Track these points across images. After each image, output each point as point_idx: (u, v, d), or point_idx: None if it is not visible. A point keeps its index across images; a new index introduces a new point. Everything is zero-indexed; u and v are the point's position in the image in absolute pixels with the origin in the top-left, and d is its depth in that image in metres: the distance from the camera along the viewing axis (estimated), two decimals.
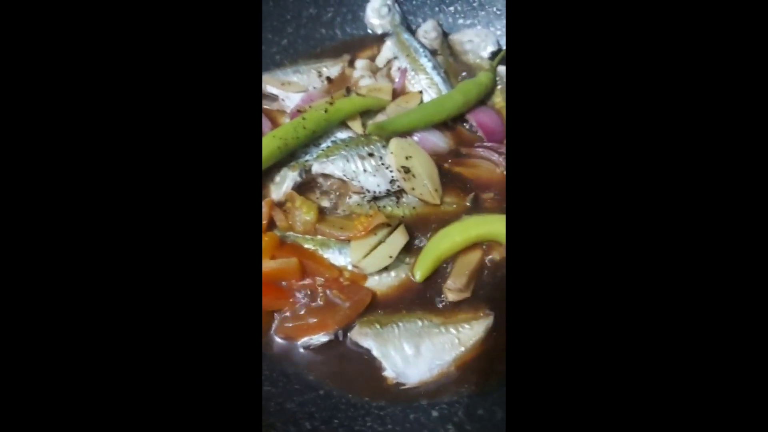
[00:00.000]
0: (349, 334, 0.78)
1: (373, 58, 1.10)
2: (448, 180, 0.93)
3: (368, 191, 0.87)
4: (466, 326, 0.78)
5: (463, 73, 1.07)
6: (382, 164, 0.89)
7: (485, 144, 0.96)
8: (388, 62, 1.08)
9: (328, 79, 1.05)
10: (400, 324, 0.78)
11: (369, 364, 0.76)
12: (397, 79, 1.04)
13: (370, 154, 0.89)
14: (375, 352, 0.75)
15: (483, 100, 1.01)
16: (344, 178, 0.87)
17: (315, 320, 0.77)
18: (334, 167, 0.88)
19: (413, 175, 0.88)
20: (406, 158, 0.89)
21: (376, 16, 1.11)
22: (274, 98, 1.03)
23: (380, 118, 0.97)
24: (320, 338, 0.77)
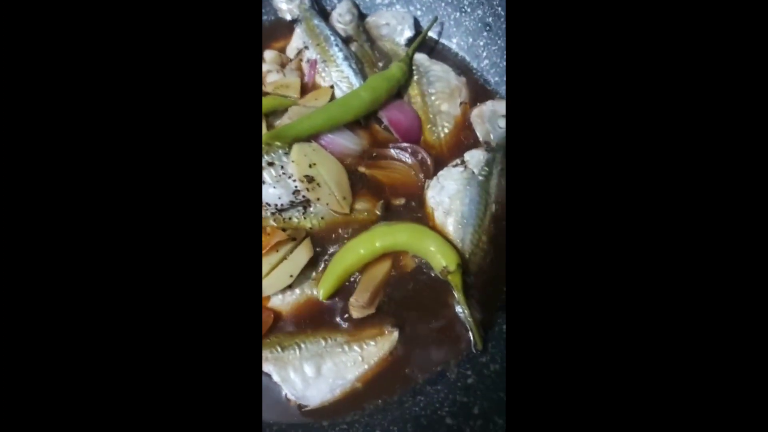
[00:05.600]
0: None
1: (283, 50, 1.02)
2: (362, 185, 0.88)
3: (269, 204, 0.83)
4: (371, 343, 0.77)
5: (380, 63, 1.00)
6: (284, 173, 0.84)
7: (399, 144, 0.91)
8: (299, 53, 1.00)
9: None
10: (302, 345, 0.76)
11: (272, 387, 0.75)
12: (306, 73, 0.97)
13: (270, 164, 0.84)
14: (274, 377, 0.74)
15: (397, 94, 0.94)
16: None
17: None
18: None
19: (318, 184, 0.83)
20: (310, 166, 0.84)
21: None
22: None
23: (285, 119, 0.90)
24: None
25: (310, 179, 0.83)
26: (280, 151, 0.85)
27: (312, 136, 0.87)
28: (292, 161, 0.83)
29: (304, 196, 0.84)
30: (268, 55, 0.99)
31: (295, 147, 0.84)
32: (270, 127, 0.90)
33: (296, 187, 0.83)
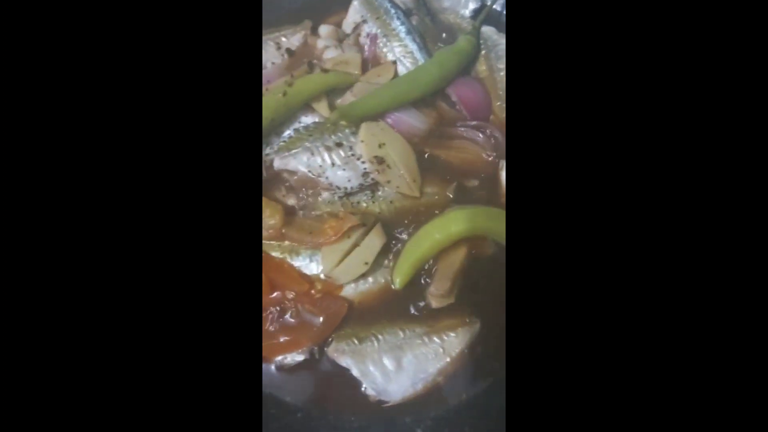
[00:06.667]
0: (326, 350, 0.72)
1: (340, 24, 0.96)
2: (430, 166, 0.83)
3: (338, 188, 0.78)
4: (451, 334, 0.72)
5: (443, 35, 0.94)
6: (353, 155, 0.78)
7: (469, 123, 0.85)
8: (356, 27, 0.94)
9: (289, 51, 0.92)
10: (380, 336, 0.72)
11: (350, 381, 0.71)
12: (366, 48, 0.91)
13: (338, 144, 0.79)
14: (354, 372, 0.70)
15: (465, 69, 0.88)
16: (310, 174, 0.77)
17: (287, 338, 0.71)
18: (297, 162, 0.77)
19: (388, 166, 0.78)
20: (379, 146, 0.78)
21: None
22: None
23: (349, 96, 0.85)
24: (295, 357, 0.71)
25: (380, 160, 0.78)
26: (347, 131, 0.80)
27: (378, 115, 0.82)
28: (361, 141, 0.78)
29: (373, 179, 0.79)
30: (324, 30, 0.93)
31: (364, 126, 0.79)
32: (331, 105, 0.85)
33: (365, 169, 0.78)
